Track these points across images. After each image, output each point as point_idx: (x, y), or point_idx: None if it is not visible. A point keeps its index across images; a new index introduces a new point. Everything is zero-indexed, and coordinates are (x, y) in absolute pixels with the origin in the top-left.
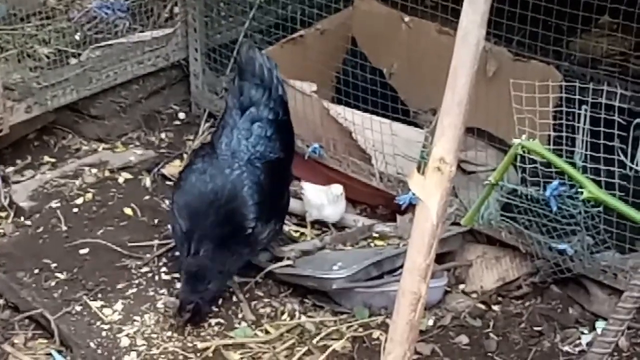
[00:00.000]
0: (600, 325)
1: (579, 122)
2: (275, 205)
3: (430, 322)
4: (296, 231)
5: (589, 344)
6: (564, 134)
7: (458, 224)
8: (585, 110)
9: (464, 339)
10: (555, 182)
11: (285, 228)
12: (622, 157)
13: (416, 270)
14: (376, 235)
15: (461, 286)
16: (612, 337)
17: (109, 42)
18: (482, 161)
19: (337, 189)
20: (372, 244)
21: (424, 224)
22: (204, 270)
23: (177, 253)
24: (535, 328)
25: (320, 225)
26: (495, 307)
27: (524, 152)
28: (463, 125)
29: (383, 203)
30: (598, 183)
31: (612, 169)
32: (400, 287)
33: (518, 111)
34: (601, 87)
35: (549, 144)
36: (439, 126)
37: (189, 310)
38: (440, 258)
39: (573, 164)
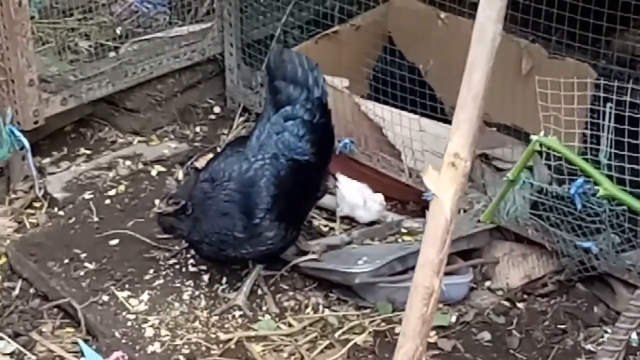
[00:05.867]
0: None
1: (604, 120)
2: (292, 209)
3: (454, 319)
4: (325, 225)
5: None
6: (588, 131)
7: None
8: (610, 107)
9: (486, 335)
10: (580, 180)
11: (315, 222)
12: None
13: (429, 264)
14: (405, 231)
15: (487, 283)
16: (623, 335)
17: (147, 36)
18: (515, 159)
19: (379, 199)
20: (399, 240)
21: (438, 218)
22: (192, 195)
23: None
24: (559, 326)
25: (350, 220)
26: (520, 305)
27: (542, 148)
28: (478, 120)
29: (413, 199)
30: (623, 181)
31: (636, 167)
32: (413, 282)
33: (544, 108)
34: (626, 85)
35: (584, 142)
36: (454, 121)
37: (169, 204)
38: (467, 254)
39: (599, 162)
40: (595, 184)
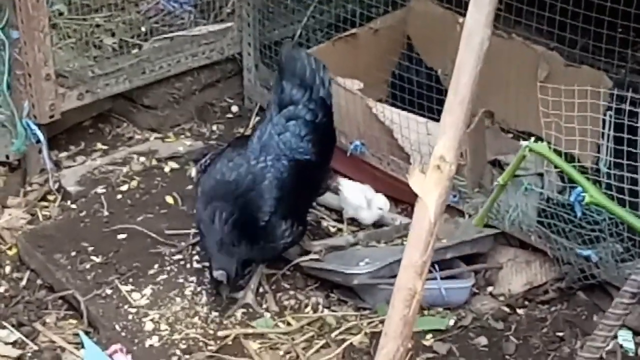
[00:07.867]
0: (621, 333)
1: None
2: (297, 207)
3: (451, 322)
4: (334, 227)
5: (609, 352)
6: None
7: (490, 226)
8: (610, 116)
9: (483, 340)
10: (580, 188)
11: (324, 223)
12: None
13: (412, 266)
14: None
15: (489, 288)
16: (600, 343)
17: (170, 34)
18: (526, 165)
19: (381, 201)
20: (405, 242)
21: (422, 221)
22: (232, 243)
23: None
24: (558, 333)
25: (359, 222)
26: (520, 311)
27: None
28: (465, 125)
29: None
30: (622, 190)
31: (635, 176)
32: (396, 283)
33: (545, 114)
34: (625, 93)
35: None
36: (441, 124)
37: (222, 280)
38: (471, 259)
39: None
40: None
